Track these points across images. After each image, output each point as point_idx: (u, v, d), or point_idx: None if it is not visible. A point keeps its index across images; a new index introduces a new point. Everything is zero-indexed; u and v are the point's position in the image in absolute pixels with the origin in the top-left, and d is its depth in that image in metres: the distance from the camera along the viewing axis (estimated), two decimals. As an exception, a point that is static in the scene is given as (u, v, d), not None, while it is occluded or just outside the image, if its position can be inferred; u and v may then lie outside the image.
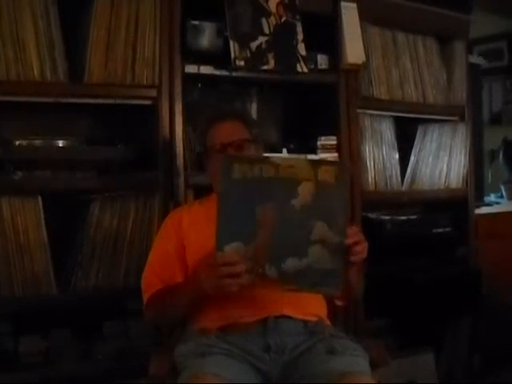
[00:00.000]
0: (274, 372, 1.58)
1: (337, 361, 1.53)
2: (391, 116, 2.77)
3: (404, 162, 2.83)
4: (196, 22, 2.17)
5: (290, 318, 1.65)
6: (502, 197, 3.71)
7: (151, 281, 1.78)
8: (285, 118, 2.76)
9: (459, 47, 3.00)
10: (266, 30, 2.31)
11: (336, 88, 2.55)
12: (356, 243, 1.50)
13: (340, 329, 1.76)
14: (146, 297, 1.78)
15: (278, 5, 2.35)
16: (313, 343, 1.63)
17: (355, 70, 2.57)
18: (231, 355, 1.58)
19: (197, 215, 1.82)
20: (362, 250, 1.52)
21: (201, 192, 2.23)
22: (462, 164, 2.96)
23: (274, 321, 1.63)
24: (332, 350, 1.58)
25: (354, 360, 1.55)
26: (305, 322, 1.67)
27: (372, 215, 2.77)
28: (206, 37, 2.19)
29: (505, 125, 4.18)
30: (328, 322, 1.77)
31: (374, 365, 1.61)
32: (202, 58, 2.20)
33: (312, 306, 1.71)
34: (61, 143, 2.04)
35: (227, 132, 1.78)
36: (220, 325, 1.64)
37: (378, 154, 2.70)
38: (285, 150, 2.45)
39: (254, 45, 2.26)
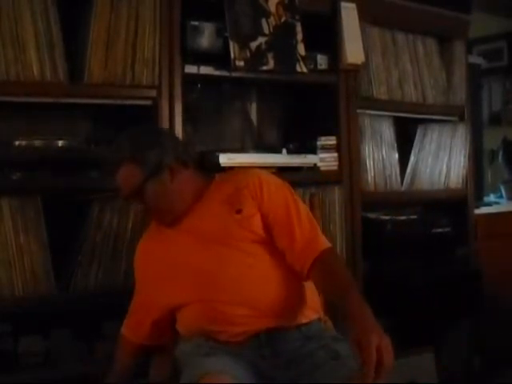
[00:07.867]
0: (277, 375, 1.56)
1: (342, 366, 1.50)
2: (391, 116, 2.77)
3: (404, 162, 2.83)
4: (196, 23, 2.17)
5: (281, 328, 1.61)
6: (501, 197, 3.71)
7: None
8: (284, 118, 2.76)
9: (459, 47, 3.00)
10: (266, 31, 2.31)
11: (335, 88, 2.55)
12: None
13: (340, 329, 1.74)
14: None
15: (277, 5, 2.35)
16: (314, 349, 1.59)
17: (355, 70, 2.57)
18: (234, 356, 1.57)
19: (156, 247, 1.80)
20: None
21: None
22: (462, 164, 2.96)
23: (266, 335, 1.60)
24: (336, 355, 1.55)
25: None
26: (298, 327, 1.63)
27: (372, 215, 2.77)
28: (206, 37, 2.19)
29: (504, 125, 4.17)
30: (326, 319, 1.73)
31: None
32: (201, 58, 2.20)
33: (304, 307, 1.66)
34: (60, 143, 2.04)
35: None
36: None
37: (378, 154, 2.70)
38: (284, 151, 2.45)
39: (253, 45, 2.26)
